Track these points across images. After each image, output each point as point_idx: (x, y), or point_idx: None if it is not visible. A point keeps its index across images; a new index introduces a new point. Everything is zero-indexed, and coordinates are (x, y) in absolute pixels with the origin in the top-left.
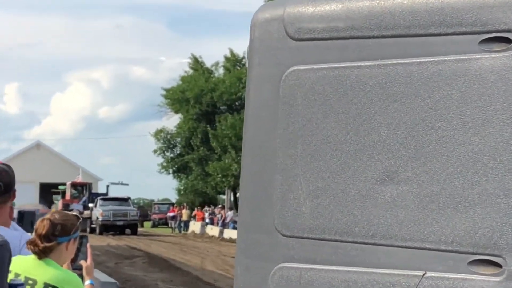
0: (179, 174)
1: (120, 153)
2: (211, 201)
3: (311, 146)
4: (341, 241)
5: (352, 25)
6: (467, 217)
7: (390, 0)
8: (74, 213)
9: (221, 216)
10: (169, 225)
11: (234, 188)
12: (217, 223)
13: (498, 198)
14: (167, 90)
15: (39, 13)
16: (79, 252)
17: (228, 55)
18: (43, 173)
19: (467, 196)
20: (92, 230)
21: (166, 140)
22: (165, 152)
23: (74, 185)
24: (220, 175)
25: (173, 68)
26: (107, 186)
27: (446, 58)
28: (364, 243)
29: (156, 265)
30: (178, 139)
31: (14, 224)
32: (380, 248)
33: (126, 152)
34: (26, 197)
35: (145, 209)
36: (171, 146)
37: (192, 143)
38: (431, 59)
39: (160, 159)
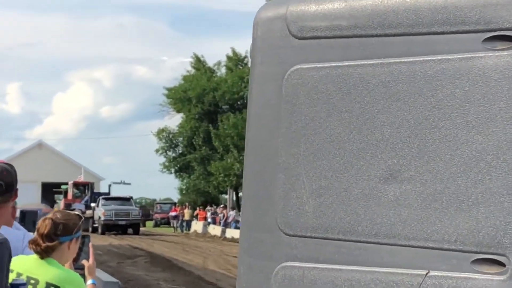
0: (181, 173)
1: (122, 153)
2: (213, 201)
3: (314, 145)
4: (344, 240)
5: (355, 24)
6: (470, 216)
7: None
8: (76, 212)
9: (223, 216)
10: (171, 225)
11: (236, 188)
12: (219, 223)
13: (502, 197)
14: (169, 89)
15: (41, 13)
16: (81, 252)
17: (230, 54)
18: (45, 172)
19: (470, 195)
20: (94, 230)
21: (168, 139)
22: (167, 151)
23: (76, 185)
24: (222, 175)
25: (175, 68)
26: (109, 186)
27: (449, 57)
28: (367, 242)
29: (158, 265)
30: (180, 139)
31: (16, 223)
32: (383, 247)
33: (128, 151)
34: (28, 197)
35: (147, 209)
36: (173, 145)
37: (194, 143)
38: (435, 58)
39: (162, 159)
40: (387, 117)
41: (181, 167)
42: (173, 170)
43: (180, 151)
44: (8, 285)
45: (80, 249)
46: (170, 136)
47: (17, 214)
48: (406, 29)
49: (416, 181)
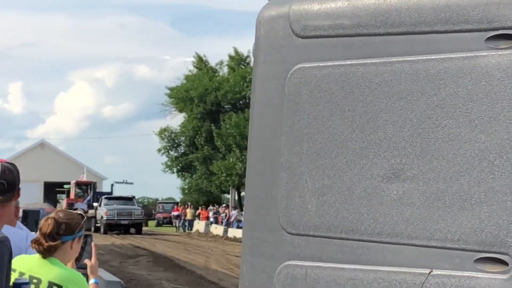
0: (184, 173)
1: (124, 152)
2: (216, 200)
3: (316, 144)
4: (347, 239)
5: (358, 23)
6: (473, 215)
7: None
8: (79, 212)
9: (226, 215)
10: (174, 224)
11: (239, 187)
12: (222, 222)
13: (505, 196)
14: (171, 89)
15: (43, 12)
16: (84, 251)
17: (233, 54)
18: (48, 172)
19: (473, 193)
20: (97, 229)
21: (170, 139)
22: (169, 151)
23: (78, 184)
24: (224, 174)
25: (177, 67)
26: (112, 185)
27: (452, 56)
28: (370, 241)
29: (161, 264)
30: (182, 138)
31: (19, 223)
32: (386, 246)
33: (131, 151)
34: (30, 196)
35: (149, 208)
36: (175, 145)
37: (196, 142)
38: (437, 57)
39: (164, 158)
40: (390, 116)
41: (183, 167)
42: (175, 169)
43: (182, 151)
44: (11, 284)
45: (83, 249)
46: (172, 135)
47: (20, 213)
48: (409, 28)
49: (419, 180)
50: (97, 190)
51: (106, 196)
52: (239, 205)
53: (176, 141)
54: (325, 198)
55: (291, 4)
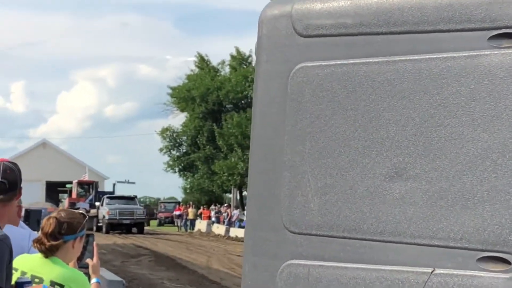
0: (185, 172)
1: (126, 152)
2: (217, 200)
3: (319, 143)
4: (350, 238)
5: (360, 22)
6: (476, 214)
7: None
8: (81, 211)
9: (227, 215)
10: (175, 224)
11: (240, 187)
12: (223, 222)
13: (507, 195)
14: (173, 88)
15: (45, 11)
16: (85, 251)
17: (234, 53)
18: (49, 171)
19: (476, 192)
20: (99, 229)
21: (172, 138)
22: (171, 150)
23: (80, 184)
24: (226, 174)
25: (179, 67)
26: (114, 185)
27: (455, 55)
28: (372, 240)
29: (162, 264)
30: (184, 138)
31: (21, 222)
32: (388, 245)
33: (132, 150)
34: (32, 196)
35: (151, 208)
36: (177, 144)
37: (198, 142)
38: (440, 56)
39: (166, 158)
40: (393, 115)
41: (185, 166)
42: (177, 169)
43: (184, 150)
44: (13, 283)
45: (84, 248)
46: (174, 135)
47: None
48: (412, 27)
49: (422, 179)
50: (99, 189)
51: (108, 195)
52: (241, 204)
53: (178, 140)
54: (327, 197)
55: (293, 3)
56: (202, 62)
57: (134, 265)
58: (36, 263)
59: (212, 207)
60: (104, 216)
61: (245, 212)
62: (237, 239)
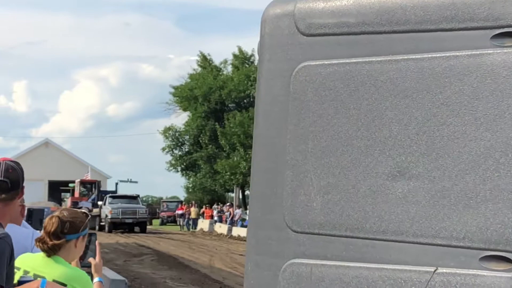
0: (188, 172)
1: (128, 151)
2: (220, 199)
3: (321, 142)
4: (352, 237)
5: (363, 21)
6: (478, 213)
7: None
8: (83, 210)
9: (230, 214)
10: (178, 223)
11: (243, 186)
12: (226, 221)
13: (510, 194)
14: (175, 87)
15: (47, 11)
16: (88, 250)
17: (237, 52)
18: (52, 171)
19: (478, 191)
20: (101, 228)
21: (174, 138)
22: (174, 150)
23: (83, 183)
24: (228, 173)
25: (181, 66)
26: (116, 184)
27: (457, 54)
28: (375, 239)
29: (165, 263)
30: (187, 137)
31: (23, 222)
32: (391, 244)
33: (135, 150)
34: (34, 195)
35: (153, 207)
36: (180, 144)
37: (200, 141)
38: (443, 55)
39: (169, 157)
40: (395, 114)
41: (187, 166)
42: (179, 168)
43: (186, 150)
44: (15, 282)
45: (87, 247)
46: (177, 134)
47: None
48: (414, 26)
49: (424, 178)
50: (102, 188)
51: (110, 194)
52: (243, 203)
53: (180, 139)
54: (330, 196)
55: (296, 2)
56: (205, 61)
57: (136, 264)
58: (38, 262)
59: (215, 206)
60: (106, 215)
61: (247, 211)
62: (239, 238)
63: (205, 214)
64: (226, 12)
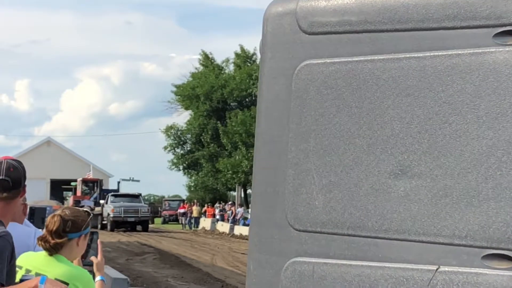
0: (190, 170)
1: (130, 150)
2: (222, 198)
3: (324, 140)
4: (354, 236)
5: (365, 19)
6: (481, 211)
7: None
8: (85, 209)
9: (232, 213)
10: (180, 222)
11: (245, 185)
12: (228, 220)
13: None
14: (177, 86)
15: (49, 10)
16: (90, 248)
17: (239, 51)
18: (54, 169)
19: (481, 190)
20: (103, 227)
21: (176, 136)
22: (176, 148)
23: (85, 182)
24: (230, 172)
25: (183, 65)
26: (118, 183)
27: (460, 52)
28: (377, 237)
29: (167, 262)
30: (189, 136)
31: (25, 220)
32: (393, 243)
33: (137, 148)
34: (36, 194)
35: (155, 206)
36: (182, 142)
37: (202, 140)
38: (445, 53)
39: (171, 156)
40: (397, 112)
41: (189, 164)
42: (181, 167)
43: (188, 148)
44: (17, 281)
45: (89, 246)
46: (179, 133)
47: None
48: (417, 24)
49: (427, 177)
50: (104, 187)
51: (112, 193)
52: (245, 202)
53: (182, 138)
54: (332, 194)
55: (298, 0)
56: (207, 60)
57: (138, 263)
58: (40, 261)
59: (217, 205)
60: (108, 214)
61: (249, 210)
62: (241, 237)
63: (207, 213)
64: (228, 10)
